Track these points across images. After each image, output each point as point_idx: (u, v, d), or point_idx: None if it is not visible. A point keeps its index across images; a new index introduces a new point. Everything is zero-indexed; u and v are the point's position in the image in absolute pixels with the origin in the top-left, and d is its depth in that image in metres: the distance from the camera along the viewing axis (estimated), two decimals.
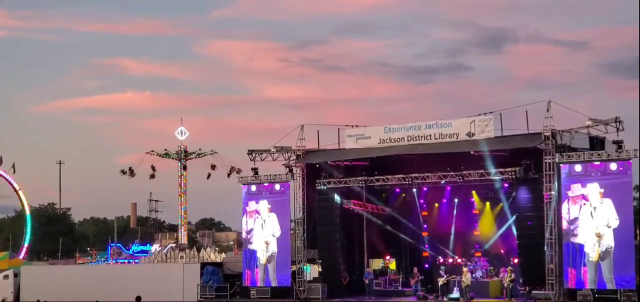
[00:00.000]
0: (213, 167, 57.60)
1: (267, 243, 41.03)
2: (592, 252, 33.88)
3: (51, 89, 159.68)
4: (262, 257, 41.09)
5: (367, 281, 40.75)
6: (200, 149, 59.10)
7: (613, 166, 33.75)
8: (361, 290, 40.97)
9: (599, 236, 33.76)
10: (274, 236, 40.87)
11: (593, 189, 34.06)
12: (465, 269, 38.79)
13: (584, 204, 34.21)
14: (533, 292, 36.14)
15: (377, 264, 43.40)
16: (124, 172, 57.64)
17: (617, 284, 33.23)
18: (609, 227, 33.67)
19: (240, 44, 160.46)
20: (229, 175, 56.43)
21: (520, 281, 37.23)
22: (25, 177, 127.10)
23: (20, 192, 63.47)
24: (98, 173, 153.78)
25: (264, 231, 41.16)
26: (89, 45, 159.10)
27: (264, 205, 41.27)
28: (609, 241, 33.63)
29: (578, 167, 34.40)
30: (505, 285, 37.49)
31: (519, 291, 37.03)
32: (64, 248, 76.89)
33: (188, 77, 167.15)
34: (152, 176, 57.08)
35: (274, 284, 40.65)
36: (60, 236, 77.81)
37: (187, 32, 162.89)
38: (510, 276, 37.36)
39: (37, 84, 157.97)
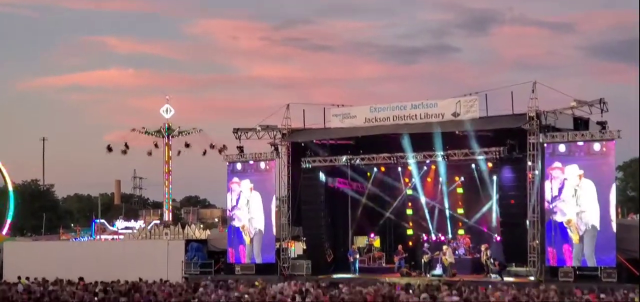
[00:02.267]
0: (187, 145, 57.91)
1: (251, 220, 41.13)
2: (572, 231, 34.23)
3: (35, 66, 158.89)
4: (246, 234, 41.19)
5: (351, 259, 41.00)
6: (179, 127, 59.34)
7: (596, 147, 34.03)
8: (345, 267, 41.17)
9: (579, 215, 34.09)
10: (258, 214, 40.94)
11: (575, 170, 34.33)
12: (445, 247, 39.13)
13: (566, 184, 34.48)
14: (507, 268, 36.50)
15: (361, 241, 43.62)
16: (109, 149, 57.75)
17: (598, 261, 33.58)
18: (590, 206, 33.96)
19: (225, 23, 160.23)
20: (204, 153, 56.95)
21: (493, 259, 37.40)
22: (8, 153, 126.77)
23: (2, 168, 63.27)
24: (82, 150, 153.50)
25: (248, 209, 41.25)
26: (74, 23, 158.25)
27: (248, 183, 41.33)
28: (589, 220, 33.94)
29: (562, 147, 34.64)
30: (484, 261, 37.87)
31: (492, 267, 37.30)
32: (48, 224, 76.72)
33: (173, 56, 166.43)
34: (124, 152, 57.24)
35: (258, 261, 40.77)
36: (44, 212, 77.58)
37: (171, 10, 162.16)
38: (486, 253, 37.74)
39: (21, 60, 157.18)
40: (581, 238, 34.05)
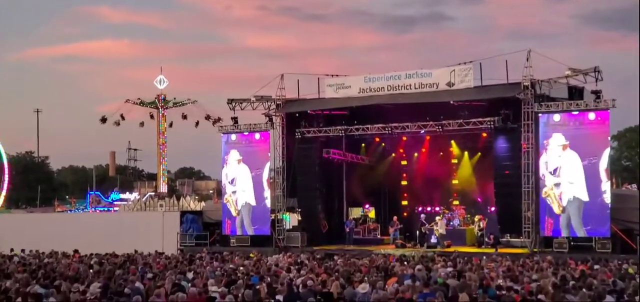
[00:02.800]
0: (184, 116, 57.92)
1: (245, 191, 41.05)
2: (552, 202, 34.27)
3: (29, 37, 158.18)
4: (242, 205, 41.14)
5: (347, 230, 41.04)
6: (175, 98, 59.28)
7: (591, 116, 33.92)
8: (340, 238, 41.23)
9: (559, 186, 34.09)
10: (253, 185, 40.88)
11: (560, 140, 34.26)
12: (438, 218, 39.19)
13: (551, 154, 34.43)
14: (501, 240, 36.60)
15: (356, 212, 43.68)
16: (103, 120, 57.68)
17: (591, 232, 33.60)
18: (574, 177, 33.95)
19: None
20: (196, 125, 56.98)
21: (489, 233, 37.51)
22: (3, 125, 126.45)
23: None
24: (76, 121, 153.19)
25: (243, 180, 41.17)
26: None
27: (243, 154, 41.23)
28: (572, 192, 33.95)
29: (556, 117, 34.54)
30: (475, 233, 37.96)
31: (485, 240, 37.40)
32: (43, 196, 76.70)
33: (167, 26, 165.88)
34: (118, 123, 57.21)
35: (252, 232, 40.77)
36: (39, 184, 77.52)
37: None
38: (479, 224, 37.81)
39: (15, 32, 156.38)
40: (564, 209, 34.04)
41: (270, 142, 40.64)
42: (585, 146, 33.94)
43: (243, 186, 41.03)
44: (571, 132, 34.20)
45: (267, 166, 40.67)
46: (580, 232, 33.75)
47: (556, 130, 34.43)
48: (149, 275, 22.80)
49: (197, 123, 57.20)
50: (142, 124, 58.61)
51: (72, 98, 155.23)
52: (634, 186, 59.80)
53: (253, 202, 40.77)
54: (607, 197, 33.54)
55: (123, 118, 57.26)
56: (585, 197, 33.74)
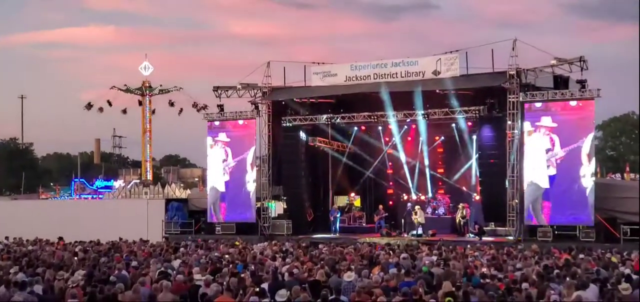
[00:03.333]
0: (171, 104, 57.76)
1: (231, 179, 41.01)
2: (540, 191, 34.37)
3: (13, 22, 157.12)
4: (227, 193, 41.08)
5: (332, 218, 41.05)
6: (161, 85, 59.10)
7: (576, 105, 33.99)
8: (326, 227, 41.27)
9: (551, 173, 34.19)
10: (238, 173, 40.82)
11: (553, 128, 34.31)
12: (417, 206, 39.29)
13: (544, 142, 34.45)
14: (485, 228, 36.72)
15: (342, 201, 43.71)
16: (88, 106, 57.49)
17: (571, 218, 33.70)
18: (563, 165, 33.99)
19: None
20: (180, 112, 56.91)
21: (473, 223, 37.67)
22: None
23: None
24: (61, 108, 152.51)
25: (229, 168, 41.12)
26: None
27: (229, 141, 41.16)
28: (564, 179, 34.00)
29: (542, 106, 34.61)
30: (457, 221, 38.06)
31: (470, 230, 37.53)
32: (27, 183, 76.33)
33: (153, 12, 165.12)
34: (102, 110, 57.08)
35: (239, 220, 40.73)
36: (23, 171, 77.16)
37: None
38: (462, 211, 37.91)
39: None
40: (553, 197, 34.17)
41: (255, 129, 40.56)
42: (568, 133, 33.95)
43: (235, 172, 40.94)
44: (556, 119, 34.20)
45: (252, 150, 40.54)
46: (567, 221, 33.78)
47: (540, 117, 34.41)
48: (134, 263, 22.78)
49: (181, 110, 57.11)
50: (124, 110, 58.41)
51: (56, 84, 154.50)
52: (618, 175, 60.15)
53: (243, 189, 40.66)
54: (587, 182, 33.54)
55: (110, 104, 57.05)
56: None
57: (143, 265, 21.68)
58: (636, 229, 32.36)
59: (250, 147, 40.64)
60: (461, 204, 38.91)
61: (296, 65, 42.53)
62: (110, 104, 57.07)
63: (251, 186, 40.62)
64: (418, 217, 38.29)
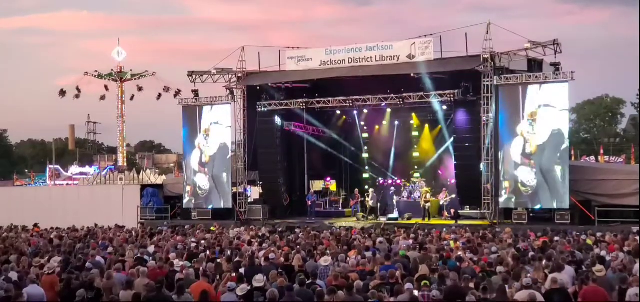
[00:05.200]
0: (139, 89, 57.54)
1: (207, 164, 40.93)
2: (520, 174, 34.59)
3: None
4: (202, 178, 41.01)
5: (309, 203, 41.09)
6: (131, 70, 58.81)
7: (550, 88, 34.17)
8: (302, 211, 41.32)
9: (527, 157, 34.39)
10: (214, 158, 40.74)
11: (528, 111, 34.47)
12: (371, 190, 39.56)
13: (519, 124, 34.62)
14: (461, 212, 36.91)
15: (318, 185, 43.80)
16: (62, 93, 57.16)
17: (550, 203, 33.95)
18: (541, 148, 34.20)
19: None
20: (159, 97, 56.61)
21: (449, 208, 37.84)
22: None
23: None
24: (35, 94, 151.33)
25: (204, 153, 41.03)
26: None
27: (204, 127, 41.02)
28: (540, 162, 34.20)
29: (516, 89, 34.75)
30: (421, 205, 38.10)
31: (445, 214, 37.73)
32: (1, 170, 75.82)
33: None
34: (77, 96, 56.79)
35: (215, 205, 40.68)
36: None
37: None
38: (425, 197, 38.01)
39: None
40: (530, 180, 34.37)
41: (231, 114, 40.44)
42: (543, 116, 34.11)
43: (212, 156, 40.82)
44: (530, 103, 34.35)
45: (228, 135, 40.43)
46: (546, 204, 33.95)
47: (524, 101, 34.47)
48: (110, 249, 22.74)
49: (159, 96, 56.78)
50: (103, 97, 58.15)
51: (30, 70, 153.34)
52: (592, 158, 60.72)
53: (218, 174, 40.60)
54: (562, 164, 33.73)
55: (79, 91, 56.71)
56: (546, 168, 34.07)
57: (119, 251, 21.63)
58: (610, 211, 32.69)
59: (228, 137, 40.53)
60: (423, 189, 39.05)
61: (271, 50, 42.55)
62: (78, 90, 56.76)
63: (227, 171, 40.55)
64: (370, 200, 38.66)
